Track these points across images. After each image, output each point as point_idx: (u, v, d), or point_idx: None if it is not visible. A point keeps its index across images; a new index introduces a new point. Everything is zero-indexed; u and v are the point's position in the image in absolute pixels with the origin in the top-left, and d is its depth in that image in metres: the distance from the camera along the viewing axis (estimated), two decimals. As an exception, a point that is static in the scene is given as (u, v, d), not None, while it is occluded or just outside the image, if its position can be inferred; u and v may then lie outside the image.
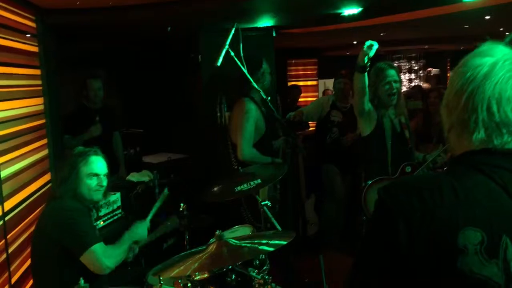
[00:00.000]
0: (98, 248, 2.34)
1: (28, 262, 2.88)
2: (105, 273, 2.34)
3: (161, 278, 1.39)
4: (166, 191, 2.92)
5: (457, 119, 0.99)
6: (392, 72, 3.31)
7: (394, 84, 3.28)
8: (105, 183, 2.52)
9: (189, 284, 1.88)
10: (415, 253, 0.89)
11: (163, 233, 2.99)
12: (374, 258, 0.97)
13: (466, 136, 0.98)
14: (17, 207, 2.78)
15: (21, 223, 2.84)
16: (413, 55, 10.21)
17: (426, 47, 9.60)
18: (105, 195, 2.63)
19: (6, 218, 2.62)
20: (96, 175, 2.49)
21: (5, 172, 2.65)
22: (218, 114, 4.58)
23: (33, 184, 3.06)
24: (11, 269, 2.66)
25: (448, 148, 1.09)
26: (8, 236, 2.64)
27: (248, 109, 3.47)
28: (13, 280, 2.68)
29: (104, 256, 2.33)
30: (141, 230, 2.63)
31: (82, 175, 2.44)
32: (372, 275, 0.97)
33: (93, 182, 2.47)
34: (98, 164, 2.51)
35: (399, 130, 3.37)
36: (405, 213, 0.92)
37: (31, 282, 2.90)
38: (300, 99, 7.41)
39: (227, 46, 2.78)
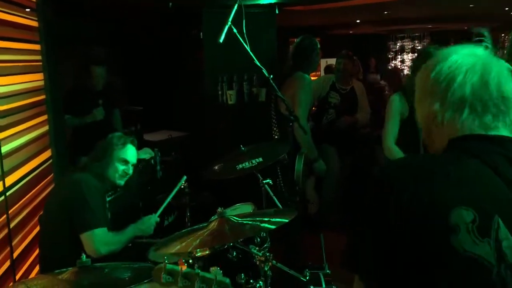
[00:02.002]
0: (100, 232, 2.37)
1: (30, 237, 2.90)
2: (94, 257, 2.30)
3: (165, 257, 1.40)
4: (183, 180, 2.97)
5: (454, 107, 1.02)
6: None
7: None
8: (130, 171, 2.65)
9: (190, 261, 1.89)
10: (405, 229, 0.90)
11: None
12: (368, 233, 0.97)
13: (463, 121, 1.01)
14: (18, 183, 2.79)
15: (22, 199, 2.84)
16: (417, 34, 10.11)
17: (430, 26, 9.50)
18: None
19: (8, 194, 2.63)
20: (127, 162, 2.61)
21: (6, 148, 2.65)
22: (220, 92, 4.56)
23: (34, 160, 3.06)
24: (13, 244, 2.68)
25: (425, 138, 1.12)
26: (9, 211, 2.64)
27: (308, 83, 3.75)
28: (15, 254, 2.70)
29: (102, 243, 2.36)
30: (147, 225, 2.66)
31: (115, 157, 2.56)
32: (368, 251, 0.97)
33: (121, 167, 2.58)
34: (132, 153, 2.65)
35: None
36: (396, 190, 0.93)
37: (32, 257, 2.93)
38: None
39: (229, 23, 2.73)
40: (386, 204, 0.93)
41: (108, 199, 3.26)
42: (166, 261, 1.36)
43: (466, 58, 1.05)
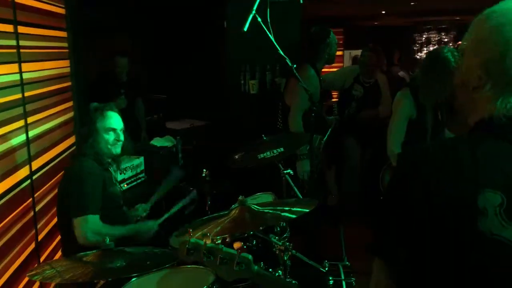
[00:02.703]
0: (91, 219, 2.34)
1: (54, 220, 2.96)
2: (82, 243, 2.31)
3: (190, 229, 1.42)
4: (194, 194, 2.96)
5: (496, 78, 0.94)
6: (453, 49, 3.08)
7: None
8: (122, 137, 2.58)
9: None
10: (432, 213, 0.90)
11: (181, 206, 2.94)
12: (394, 221, 0.97)
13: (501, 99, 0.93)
14: (44, 167, 2.84)
15: (47, 183, 2.90)
16: (444, 26, 9.90)
17: (457, 18, 9.29)
18: (127, 152, 2.72)
19: (34, 177, 2.69)
20: (113, 129, 2.54)
21: (32, 133, 2.70)
22: (242, 82, 4.56)
23: (59, 145, 3.12)
24: (38, 226, 2.74)
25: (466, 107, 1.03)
26: (35, 195, 2.70)
27: (310, 76, 3.60)
28: (40, 237, 2.76)
29: (92, 230, 2.32)
30: (146, 229, 2.59)
31: (100, 129, 2.50)
32: (393, 239, 0.97)
33: (110, 136, 2.53)
34: (114, 119, 2.56)
35: (436, 112, 3.26)
36: (423, 173, 0.93)
37: (56, 239, 2.99)
38: (325, 69, 7.31)
39: (254, 12, 2.72)
40: (413, 188, 0.93)
41: (126, 187, 3.31)
42: (191, 232, 1.38)
43: None
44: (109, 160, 2.58)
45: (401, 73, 7.10)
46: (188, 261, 1.38)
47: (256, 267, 1.36)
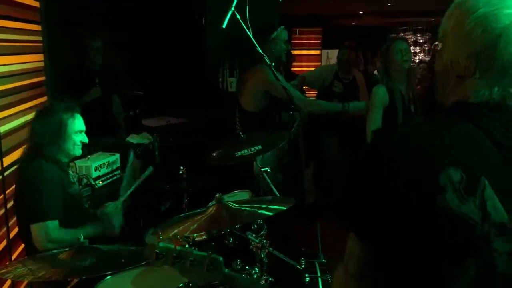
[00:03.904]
0: (50, 226, 2.20)
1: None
2: (39, 250, 2.17)
3: (160, 233, 1.41)
4: (151, 169, 2.73)
5: (487, 67, 0.95)
6: (402, 42, 3.41)
7: (405, 55, 3.29)
8: (86, 140, 2.45)
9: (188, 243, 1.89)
10: (398, 191, 0.92)
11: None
12: (360, 196, 0.99)
13: (480, 84, 0.96)
14: (16, 163, 2.77)
15: (20, 180, 2.83)
16: (420, 27, 10.05)
17: (433, 19, 9.44)
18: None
19: (5, 174, 2.62)
20: (82, 131, 2.43)
21: (5, 128, 2.64)
22: (220, 79, 4.55)
23: (32, 141, 3.05)
24: (10, 224, 2.68)
25: (440, 91, 1.08)
26: (7, 191, 2.64)
27: (266, 74, 3.37)
28: (11, 234, 2.70)
29: (50, 237, 2.19)
30: (110, 223, 2.46)
31: (70, 132, 2.36)
32: (358, 214, 0.99)
33: (78, 138, 2.40)
34: (81, 120, 2.44)
35: (407, 105, 3.37)
36: (393, 156, 0.95)
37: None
38: (303, 68, 7.35)
39: (233, 8, 2.71)
40: (382, 169, 0.95)
41: (101, 184, 3.26)
42: (160, 237, 1.37)
43: None
44: (67, 161, 2.45)
45: (375, 72, 7.20)
46: (157, 266, 1.35)
47: (226, 269, 1.36)
